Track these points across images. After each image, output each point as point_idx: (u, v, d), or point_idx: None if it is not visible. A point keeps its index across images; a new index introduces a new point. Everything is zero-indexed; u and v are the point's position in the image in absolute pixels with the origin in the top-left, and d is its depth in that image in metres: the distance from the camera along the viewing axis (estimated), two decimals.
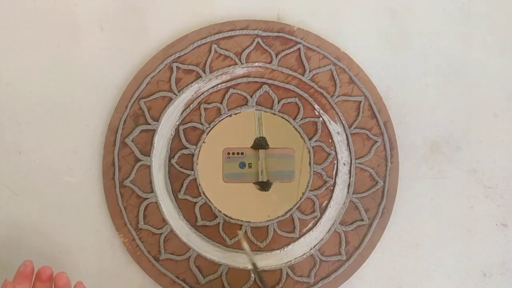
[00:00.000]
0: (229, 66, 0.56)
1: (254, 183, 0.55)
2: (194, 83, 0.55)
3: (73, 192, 0.55)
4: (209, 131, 0.55)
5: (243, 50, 0.56)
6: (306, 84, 0.56)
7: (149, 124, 0.55)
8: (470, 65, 0.59)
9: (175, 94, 0.55)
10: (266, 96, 0.56)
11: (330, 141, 0.56)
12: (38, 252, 0.55)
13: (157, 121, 0.55)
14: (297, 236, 0.55)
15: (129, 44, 0.57)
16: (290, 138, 0.56)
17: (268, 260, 0.54)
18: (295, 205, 0.55)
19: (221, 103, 0.55)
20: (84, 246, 0.55)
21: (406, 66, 0.58)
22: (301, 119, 0.56)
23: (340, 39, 0.57)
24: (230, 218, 0.54)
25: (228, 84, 0.56)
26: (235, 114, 0.56)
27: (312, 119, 0.56)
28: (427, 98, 0.58)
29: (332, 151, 0.56)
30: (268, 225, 0.54)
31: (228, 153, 0.55)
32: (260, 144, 0.55)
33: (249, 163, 0.55)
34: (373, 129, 0.56)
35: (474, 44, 0.59)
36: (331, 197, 0.55)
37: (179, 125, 0.55)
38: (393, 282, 0.56)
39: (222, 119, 0.55)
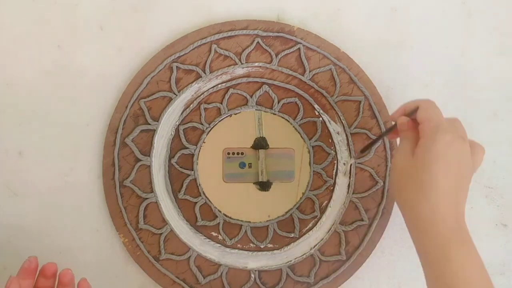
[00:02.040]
0: (229, 66, 0.56)
1: (254, 183, 0.55)
2: (194, 83, 0.55)
3: (73, 192, 0.55)
4: (209, 131, 0.55)
5: (243, 50, 0.56)
6: (306, 84, 0.56)
7: (149, 124, 0.55)
8: (470, 65, 0.59)
9: (175, 94, 0.55)
10: (266, 96, 0.56)
11: (330, 141, 0.56)
12: (38, 252, 0.54)
13: (157, 121, 0.55)
14: (297, 236, 0.55)
15: (129, 44, 0.57)
16: (290, 138, 0.56)
17: (268, 260, 0.54)
18: (295, 205, 0.55)
19: (221, 103, 0.55)
20: (84, 246, 0.55)
21: (406, 66, 0.58)
22: (301, 119, 0.56)
23: (340, 39, 0.57)
24: (230, 218, 0.54)
25: (228, 84, 0.56)
26: (235, 114, 0.56)
27: (312, 119, 0.56)
28: (427, 98, 0.58)
29: (332, 151, 0.56)
30: (268, 225, 0.54)
31: (228, 153, 0.55)
32: (260, 144, 0.55)
33: (249, 163, 0.55)
34: (373, 129, 0.56)
35: (474, 44, 0.59)
36: (331, 197, 0.55)
37: (179, 125, 0.55)
38: (393, 282, 0.56)
39: (222, 119, 0.55)
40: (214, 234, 0.54)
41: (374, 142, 0.52)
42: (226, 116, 0.55)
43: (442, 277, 0.38)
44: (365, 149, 0.53)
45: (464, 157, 0.41)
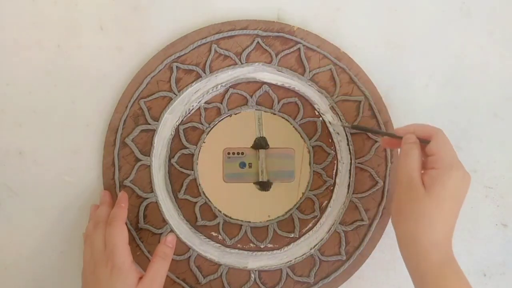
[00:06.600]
0: (229, 66, 0.56)
1: (254, 183, 0.55)
2: (194, 83, 0.55)
3: (73, 192, 0.55)
4: (209, 131, 0.55)
5: (243, 50, 0.56)
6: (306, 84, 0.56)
7: (149, 124, 0.55)
8: (470, 65, 0.59)
9: (175, 94, 0.55)
10: (266, 96, 0.56)
11: (330, 141, 0.56)
12: (39, 252, 0.55)
13: (157, 121, 0.55)
14: (297, 236, 0.55)
15: (129, 44, 0.57)
16: (290, 138, 0.56)
17: (268, 260, 0.54)
18: (295, 205, 0.55)
19: (221, 103, 0.55)
20: None
21: (406, 66, 0.58)
22: (301, 119, 0.56)
23: (340, 39, 0.57)
24: (230, 218, 0.54)
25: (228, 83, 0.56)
26: (235, 114, 0.56)
27: (312, 119, 0.56)
28: (427, 98, 0.58)
29: (332, 151, 0.56)
30: (268, 225, 0.54)
31: (228, 153, 0.55)
32: (260, 144, 0.55)
33: (249, 163, 0.55)
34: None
35: (474, 44, 0.59)
36: (331, 197, 0.55)
37: (179, 125, 0.55)
38: (393, 282, 0.56)
39: (222, 119, 0.55)
40: (214, 234, 0.54)
41: (371, 130, 0.53)
42: (226, 116, 0.55)
43: None
44: (359, 129, 0.54)
45: (467, 190, 0.44)
